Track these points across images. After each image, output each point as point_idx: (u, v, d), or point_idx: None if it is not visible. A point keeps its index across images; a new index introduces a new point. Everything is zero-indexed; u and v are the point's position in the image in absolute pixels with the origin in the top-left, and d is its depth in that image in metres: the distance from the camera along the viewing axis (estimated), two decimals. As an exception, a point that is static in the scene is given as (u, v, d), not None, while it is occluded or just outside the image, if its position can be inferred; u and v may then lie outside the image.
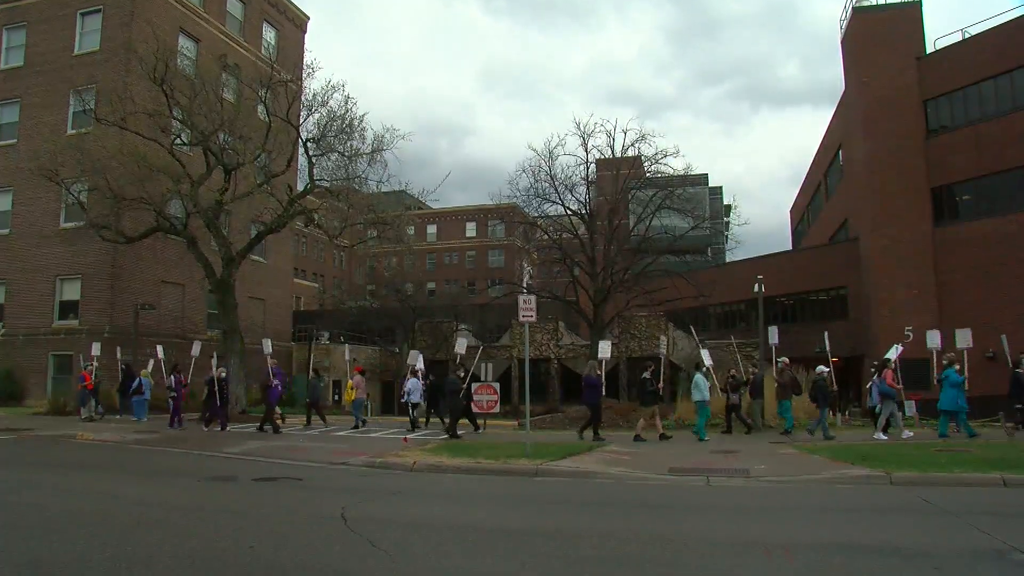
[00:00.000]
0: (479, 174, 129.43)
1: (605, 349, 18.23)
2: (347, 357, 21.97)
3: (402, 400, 19.84)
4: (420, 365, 19.87)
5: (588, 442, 15.42)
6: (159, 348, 21.97)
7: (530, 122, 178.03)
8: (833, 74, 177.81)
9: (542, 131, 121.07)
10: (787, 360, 17.60)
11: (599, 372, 17.21)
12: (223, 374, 19.22)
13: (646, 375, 16.79)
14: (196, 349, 21.26)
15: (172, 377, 19.72)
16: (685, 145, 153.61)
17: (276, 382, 19.04)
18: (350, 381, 20.31)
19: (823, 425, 15.99)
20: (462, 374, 18.01)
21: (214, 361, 20.06)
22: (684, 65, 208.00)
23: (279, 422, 20.09)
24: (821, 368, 16.53)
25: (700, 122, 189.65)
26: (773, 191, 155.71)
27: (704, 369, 17.34)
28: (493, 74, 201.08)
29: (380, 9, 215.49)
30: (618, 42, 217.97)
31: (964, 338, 16.23)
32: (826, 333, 18.94)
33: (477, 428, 18.05)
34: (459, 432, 16.82)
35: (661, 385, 17.28)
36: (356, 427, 19.06)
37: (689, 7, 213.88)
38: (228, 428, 18.62)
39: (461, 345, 19.57)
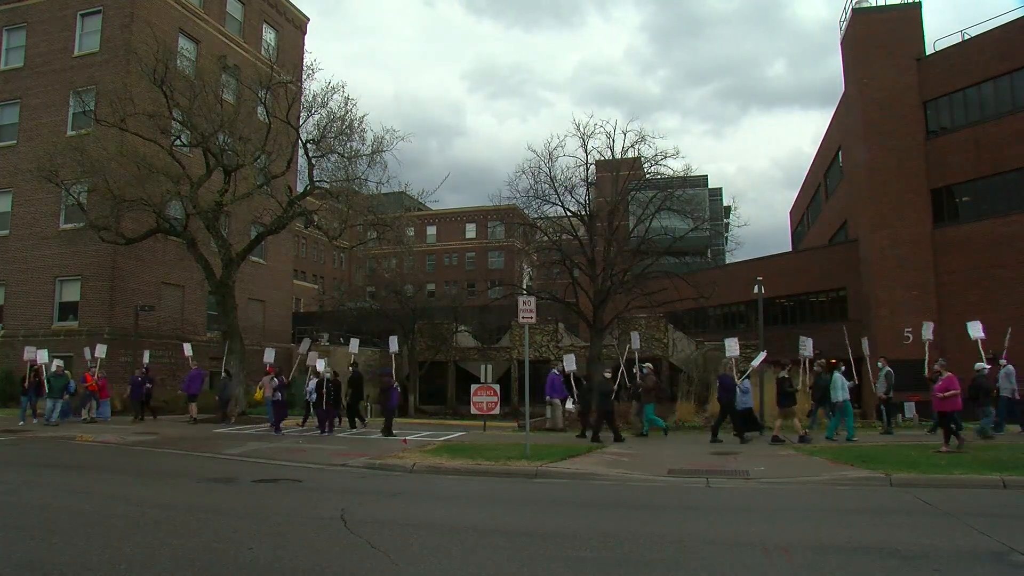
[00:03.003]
0: (470, 174, 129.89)
1: (732, 347, 17.84)
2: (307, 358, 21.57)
3: (307, 400, 20.30)
4: (321, 367, 20.42)
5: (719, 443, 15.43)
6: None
7: (519, 122, 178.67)
8: (822, 74, 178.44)
9: (531, 131, 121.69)
10: (651, 366, 18.00)
11: (730, 371, 17.06)
12: (330, 375, 18.48)
13: (783, 374, 16.30)
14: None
15: (275, 380, 19.01)
16: (671, 146, 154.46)
17: (396, 385, 18.67)
18: (261, 382, 20.80)
19: (989, 423, 15.29)
20: (609, 375, 17.55)
21: (321, 363, 19.20)
22: (670, 64, 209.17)
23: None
24: (980, 365, 15.86)
25: (689, 123, 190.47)
26: (766, 192, 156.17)
27: (843, 368, 16.60)
28: (480, 75, 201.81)
29: (365, 8, 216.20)
30: (603, 41, 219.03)
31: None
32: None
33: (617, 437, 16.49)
34: (621, 435, 16.47)
35: (799, 387, 16.95)
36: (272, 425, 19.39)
37: (672, 5, 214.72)
38: (334, 432, 18.03)
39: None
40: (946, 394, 12.95)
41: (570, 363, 18.95)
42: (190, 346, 22.75)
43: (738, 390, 17.21)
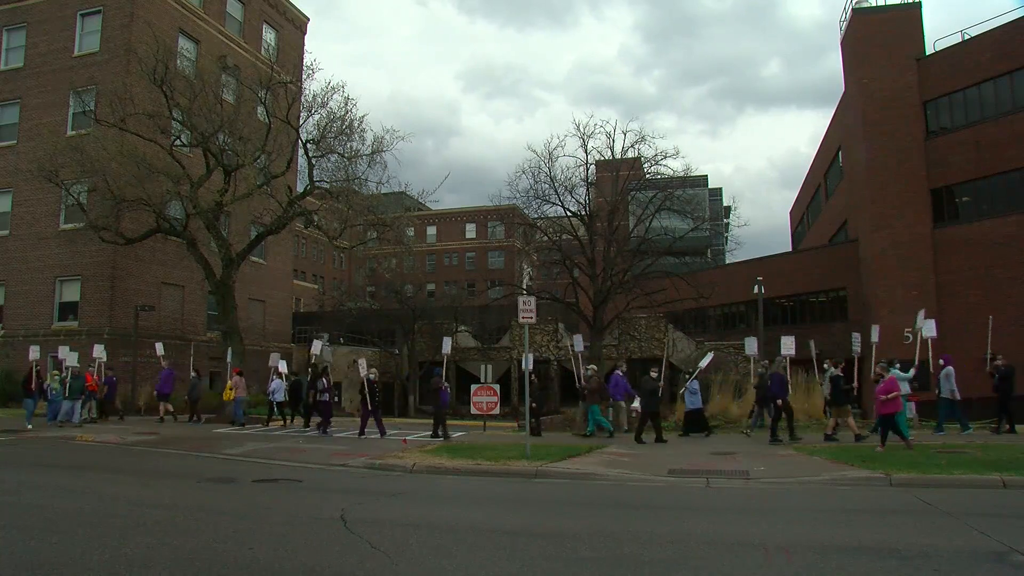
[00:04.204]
0: (467, 174, 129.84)
1: (789, 345, 17.41)
2: (277, 364, 21.65)
3: (269, 400, 21.31)
4: (283, 367, 21.30)
5: (781, 444, 15.18)
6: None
7: (515, 122, 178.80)
8: (818, 74, 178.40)
9: (527, 131, 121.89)
10: (595, 367, 18.23)
11: (783, 370, 16.85)
12: (373, 375, 18.20)
13: (838, 372, 16.04)
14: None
15: (322, 380, 18.97)
16: (671, 147, 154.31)
17: (446, 385, 18.61)
18: (229, 382, 21.16)
19: None
20: (654, 375, 17.34)
21: (362, 362, 18.79)
22: (664, 64, 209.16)
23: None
24: None
25: (685, 123, 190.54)
26: (763, 192, 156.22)
27: (897, 364, 16.25)
28: (475, 75, 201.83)
29: (361, 9, 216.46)
30: (597, 41, 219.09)
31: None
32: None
33: (646, 438, 16.48)
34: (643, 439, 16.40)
35: (856, 385, 16.78)
36: (234, 423, 20.18)
37: (665, 4, 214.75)
38: (387, 434, 17.37)
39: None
40: (888, 396, 13.06)
41: (529, 363, 18.95)
42: (161, 345, 23.13)
43: (687, 391, 17.28)
